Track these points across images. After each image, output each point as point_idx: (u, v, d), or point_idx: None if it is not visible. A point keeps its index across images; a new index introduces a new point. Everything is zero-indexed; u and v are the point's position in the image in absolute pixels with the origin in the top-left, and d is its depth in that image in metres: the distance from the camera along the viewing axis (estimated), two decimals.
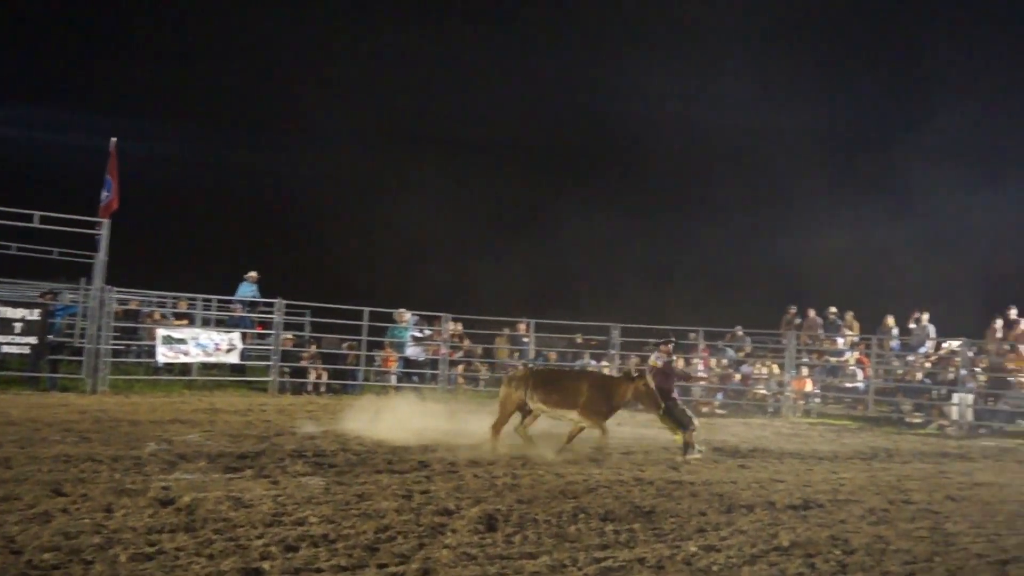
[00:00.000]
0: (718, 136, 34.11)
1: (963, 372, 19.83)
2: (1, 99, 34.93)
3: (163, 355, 20.18)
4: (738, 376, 22.97)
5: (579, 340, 24.71)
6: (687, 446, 13.60)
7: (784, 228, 31.34)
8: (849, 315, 23.54)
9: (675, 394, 14.28)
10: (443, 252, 34.22)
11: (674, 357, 14.89)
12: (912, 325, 22.62)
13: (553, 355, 24.09)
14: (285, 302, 21.81)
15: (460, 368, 23.47)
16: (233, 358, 21.15)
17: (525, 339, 23.89)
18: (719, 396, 22.50)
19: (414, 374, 22.85)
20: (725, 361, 23.23)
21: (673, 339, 14.84)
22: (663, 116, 34.92)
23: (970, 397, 19.73)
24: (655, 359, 14.51)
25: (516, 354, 24.01)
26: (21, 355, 18.92)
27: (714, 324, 23.62)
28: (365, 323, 22.05)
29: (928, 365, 21.38)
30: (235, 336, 21.13)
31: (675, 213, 35.83)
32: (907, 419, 20.44)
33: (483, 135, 36.53)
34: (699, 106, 35.17)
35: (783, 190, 32.09)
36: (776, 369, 22.43)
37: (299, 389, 21.52)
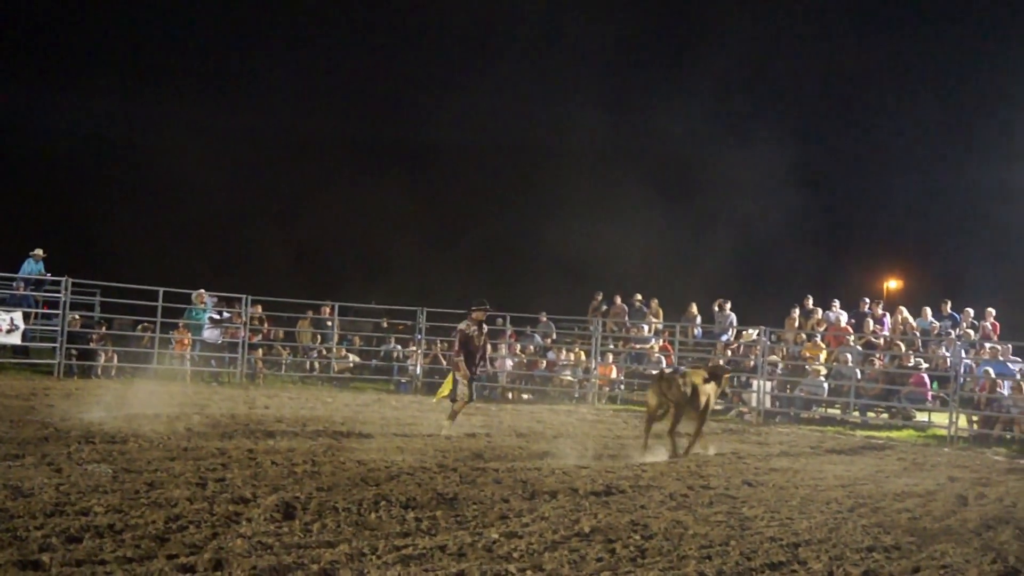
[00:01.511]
0: (527, 127, 34.43)
1: (762, 360, 20.50)
2: None
3: None
4: (544, 362, 23.16)
5: (385, 324, 24.49)
6: (455, 415, 14.28)
7: (590, 216, 31.80)
8: (654, 303, 24.02)
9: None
10: (240, 232, 33.47)
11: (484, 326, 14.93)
12: (715, 310, 23.28)
13: (358, 339, 23.81)
14: (73, 280, 20.79)
15: (260, 352, 22.88)
16: (15, 339, 20.05)
17: (329, 322, 23.49)
18: (525, 382, 22.64)
19: (211, 357, 22.17)
20: (531, 347, 23.39)
21: (487, 305, 14.90)
22: (465, 108, 35.06)
23: (768, 384, 20.45)
24: (465, 324, 14.65)
25: (319, 338, 23.61)
26: None
27: (520, 310, 23.76)
28: (159, 304, 21.21)
29: (729, 353, 22.02)
30: (16, 316, 20.03)
31: (482, 199, 36.00)
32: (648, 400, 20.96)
33: (295, 118, 35.96)
34: (503, 98, 35.41)
35: (591, 180, 32.58)
36: (582, 356, 22.71)
37: (88, 372, 20.59)
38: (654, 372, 16.03)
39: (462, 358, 14.41)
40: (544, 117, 34.74)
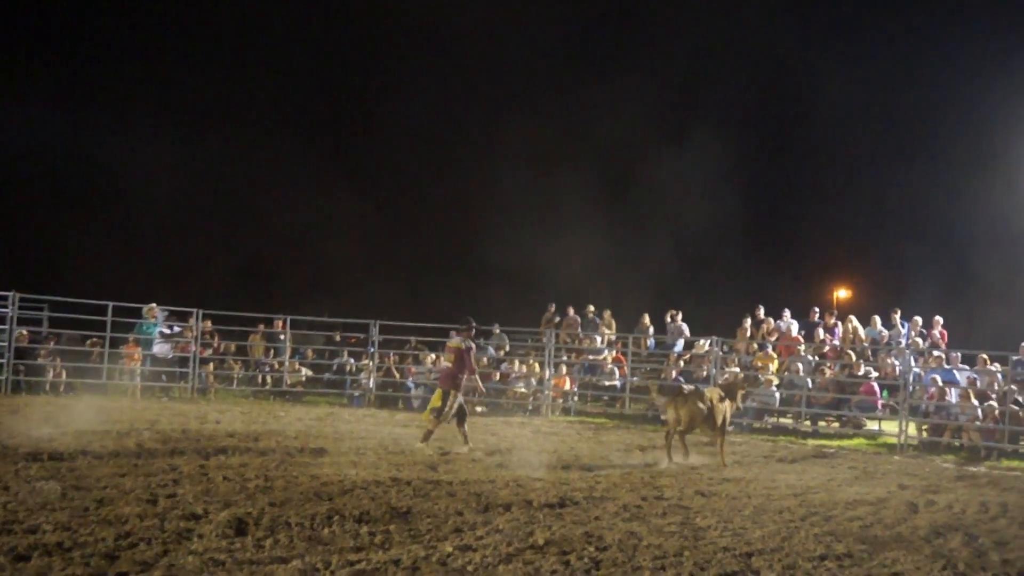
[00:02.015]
0: (473, 136, 34.48)
1: (714, 370, 20.61)
2: None
3: None
4: (497, 374, 23.14)
5: (337, 337, 24.37)
6: (429, 433, 14.31)
7: (541, 227, 31.85)
8: (607, 314, 24.02)
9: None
10: (190, 246, 33.25)
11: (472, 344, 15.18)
12: (667, 320, 23.37)
13: (310, 352, 23.68)
14: (20, 295, 20.52)
15: (211, 367, 22.67)
16: None
17: (282, 336, 23.32)
18: (479, 394, 22.58)
19: (162, 372, 21.95)
20: (485, 359, 23.37)
21: (473, 324, 15.27)
22: (411, 119, 35.06)
23: None
24: (460, 342, 14.89)
25: (272, 352, 23.44)
26: None
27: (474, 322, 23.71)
28: (109, 318, 20.97)
29: (682, 363, 22.12)
30: None
31: (434, 212, 35.99)
32: (662, 417, 21.08)
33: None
34: (450, 107, 35.48)
35: (538, 190, 32.65)
36: (536, 367, 22.71)
37: (35, 388, 20.31)
38: (674, 389, 16.07)
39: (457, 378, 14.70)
40: (490, 126, 34.76)
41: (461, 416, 14.61)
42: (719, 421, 14.27)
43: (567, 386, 22.63)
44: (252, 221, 36.14)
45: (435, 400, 14.71)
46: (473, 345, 15.16)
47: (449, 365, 15.00)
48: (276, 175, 36.65)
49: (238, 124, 35.55)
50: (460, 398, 14.60)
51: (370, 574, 6.77)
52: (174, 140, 33.93)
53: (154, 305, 22.02)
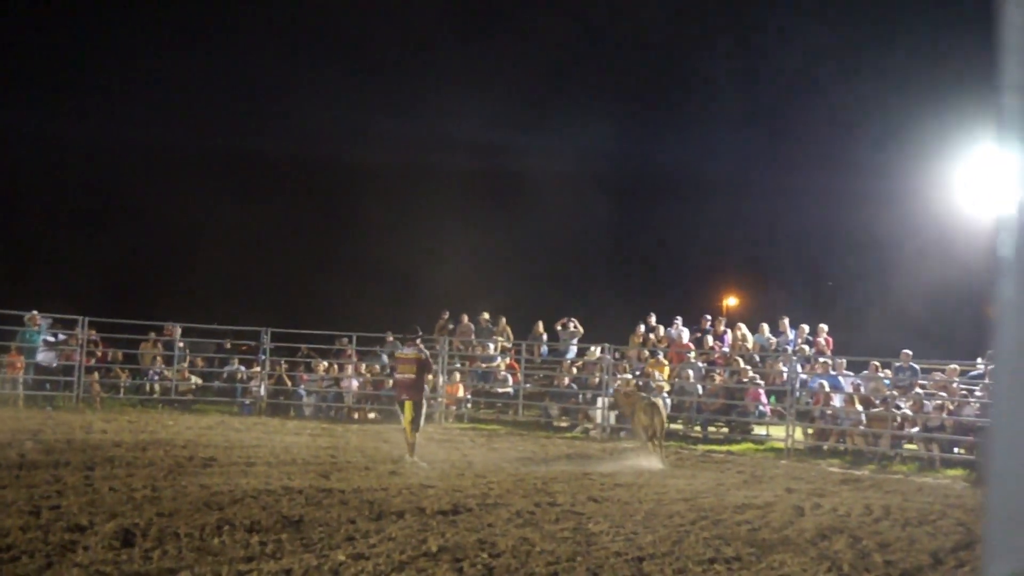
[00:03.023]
0: (372, 145, 34.36)
1: (606, 377, 20.81)
2: None
3: None
4: (390, 382, 23.01)
5: (228, 345, 24.04)
6: (412, 446, 14.39)
7: (437, 236, 31.90)
8: (502, 321, 24.09)
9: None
10: (73, 250, 32.51)
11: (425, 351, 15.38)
12: (559, 329, 23.50)
13: (200, 360, 23.30)
14: None
15: (96, 375, 22.15)
16: None
17: (181, 344, 22.90)
18: (371, 402, 22.47)
19: (46, 381, 21.38)
20: (377, 367, 23.24)
21: (420, 332, 15.58)
22: (290, 120, 34.91)
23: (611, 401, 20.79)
24: (417, 352, 15.01)
25: (159, 360, 23.00)
26: None
27: (365, 330, 23.59)
28: None
29: (575, 371, 22.28)
30: None
31: (325, 218, 35.78)
32: (555, 423, 21.26)
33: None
34: (325, 109, 35.37)
35: (434, 199, 32.68)
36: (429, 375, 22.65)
37: None
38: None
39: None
40: (371, 131, 34.72)
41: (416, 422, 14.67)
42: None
43: (460, 393, 22.64)
44: (137, 225, 35.54)
45: (408, 413, 14.60)
46: (428, 352, 15.45)
47: (411, 376, 14.77)
48: (160, 177, 36.10)
49: (121, 121, 34.92)
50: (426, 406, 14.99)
51: None
52: (60, 139, 33.20)
53: (35, 312, 21.43)
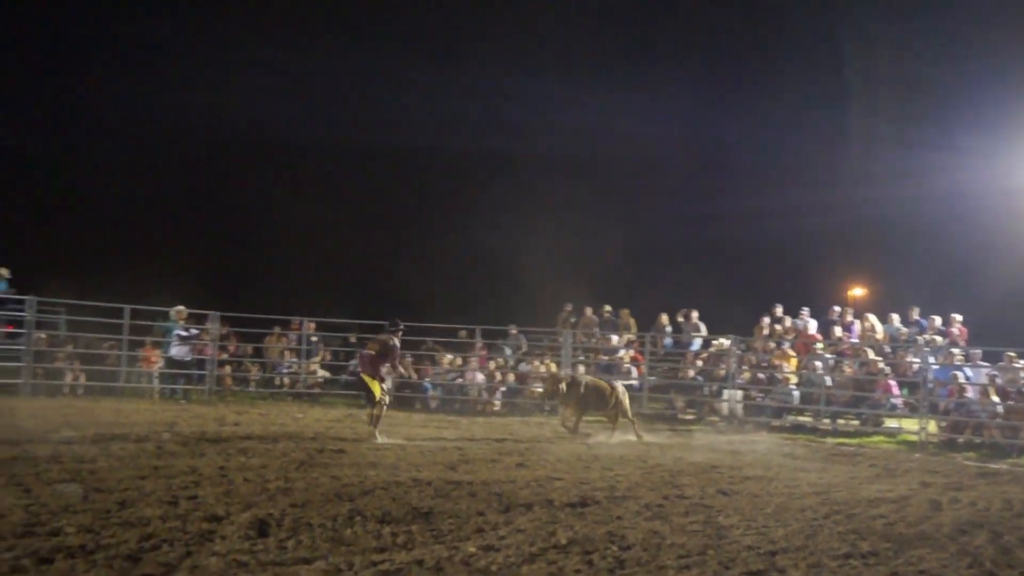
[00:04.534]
0: (490, 137, 34.44)
1: (733, 369, 20.55)
2: None
3: None
4: (512, 375, 23.08)
5: (353, 339, 24.34)
6: (377, 419, 15.37)
7: (558, 226, 31.82)
8: (624, 313, 23.95)
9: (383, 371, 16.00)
10: (204, 246, 33.30)
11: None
12: (681, 320, 23.26)
13: (327, 354, 23.65)
14: (38, 299, 20.58)
15: (228, 369, 22.70)
16: None
17: (313, 338, 23.32)
18: (498, 395, 22.55)
19: (180, 375, 21.96)
20: (502, 360, 23.31)
21: (401, 325, 16.63)
22: (427, 110, 35.07)
23: (739, 393, 20.53)
24: (387, 337, 16.01)
25: (288, 353, 23.44)
26: None
27: (488, 322, 23.67)
28: (126, 321, 21.04)
29: (699, 363, 22.03)
30: None
31: (447, 212, 35.99)
32: (680, 415, 21.06)
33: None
34: (467, 100, 35.44)
35: (553, 190, 32.63)
36: (552, 367, 22.64)
37: (55, 391, 20.36)
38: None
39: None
40: (507, 121, 34.73)
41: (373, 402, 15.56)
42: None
43: None
44: (262, 219, 36.23)
45: (375, 389, 15.54)
46: (399, 344, 16.30)
47: (371, 353, 15.82)
48: (289, 171, 36.72)
49: (248, 116, 35.62)
50: (389, 382, 16.09)
51: (394, 574, 6.75)
52: (182, 141, 34.05)
53: (182, 307, 22.03)
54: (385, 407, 15.71)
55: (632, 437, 16.90)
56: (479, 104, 35.76)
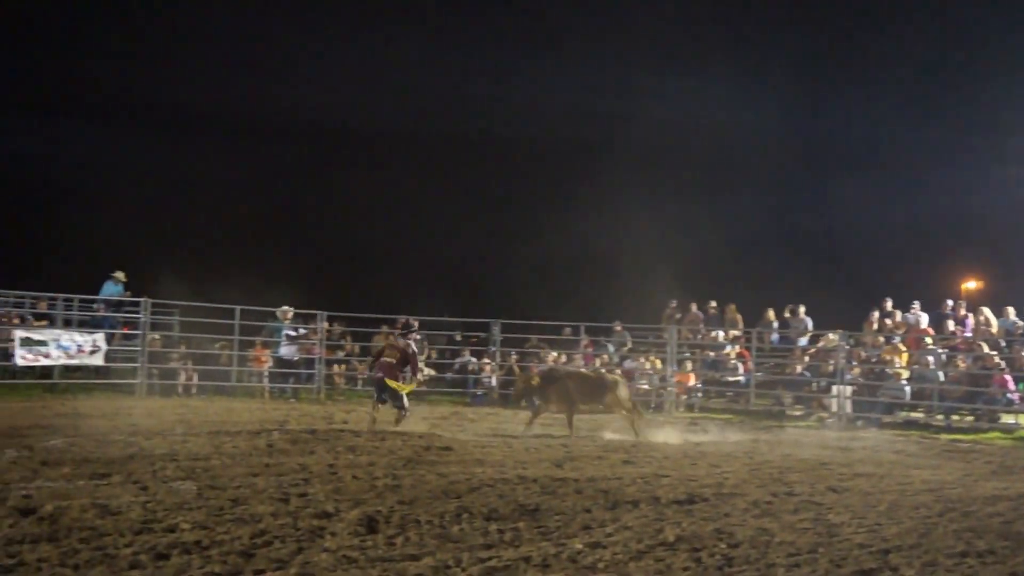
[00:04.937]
0: (588, 130, 34.34)
1: (841, 364, 20.21)
2: None
3: (22, 358, 19.38)
4: (619, 372, 22.99)
5: (459, 337, 24.51)
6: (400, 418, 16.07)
7: (660, 219, 31.56)
8: (731, 308, 23.72)
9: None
10: (305, 246, 33.79)
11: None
12: (787, 315, 22.93)
13: (432, 352, 23.84)
14: (152, 301, 21.13)
15: (337, 368, 23.04)
16: (97, 360, 20.38)
17: (418, 336, 23.53)
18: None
19: (289, 374, 22.35)
20: (605, 356, 23.25)
21: (415, 328, 18.32)
22: (527, 101, 35.04)
23: (848, 389, 20.14)
24: (406, 344, 16.73)
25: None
26: None
27: (592, 319, 23.61)
28: (237, 322, 21.49)
29: (807, 358, 21.70)
30: (99, 337, 20.38)
31: (553, 207, 35.95)
32: (788, 412, 20.77)
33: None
34: (578, 99, 35.37)
35: (663, 183, 32.39)
36: (658, 363, 22.52)
37: (169, 391, 20.88)
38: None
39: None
40: (606, 113, 34.56)
41: (387, 399, 16.21)
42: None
43: (691, 382, 22.41)
44: (372, 221, 36.60)
45: (402, 389, 16.18)
46: (416, 348, 17.03)
47: (391, 361, 16.21)
48: (393, 169, 37.02)
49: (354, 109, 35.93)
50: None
51: (502, 571, 6.77)
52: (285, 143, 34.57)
53: (288, 308, 22.45)
54: (406, 408, 16.23)
55: (630, 436, 15.93)
56: (582, 96, 35.68)
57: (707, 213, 31.42)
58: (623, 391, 16.87)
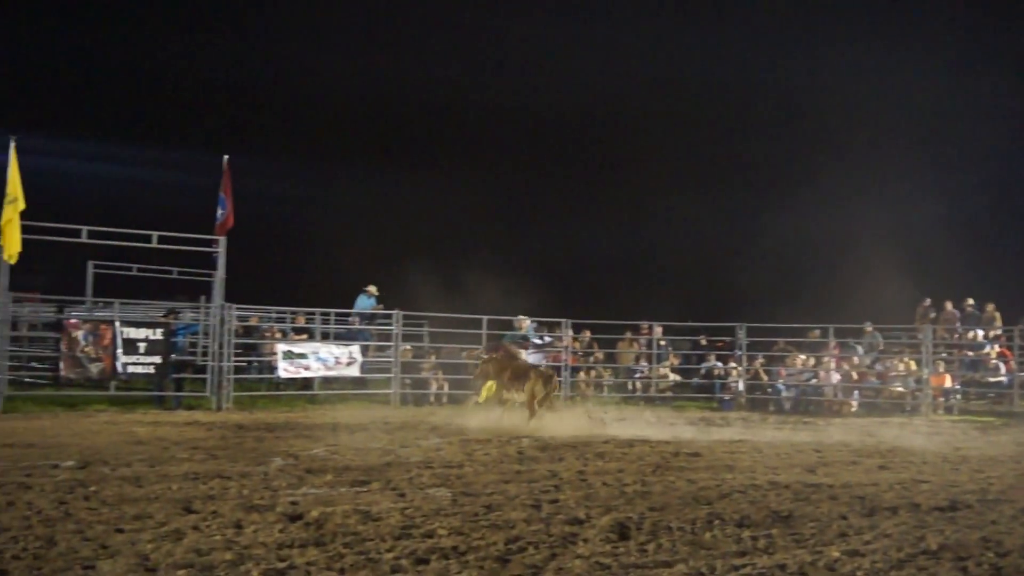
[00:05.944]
0: (826, 124, 33.37)
1: None
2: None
3: (284, 370, 20.43)
4: (872, 375, 22.26)
5: (703, 341, 24.28)
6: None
7: (907, 212, 30.32)
8: (990, 306, 22.56)
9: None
10: (557, 256, 34.13)
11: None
12: None
13: (676, 358, 23.72)
14: (403, 313, 21.85)
15: (582, 375, 23.22)
16: (353, 371, 21.26)
17: (662, 342, 23.53)
18: (855, 395, 21.81)
19: None
20: (856, 359, 22.54)
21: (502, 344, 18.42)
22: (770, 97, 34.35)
23: None
24: (547, 368, 17.72)
25: (641, 359, 23.67)
26: (146, 374, 19.28)
27: (841, 321, 22.90)
28: (484, 332, 21.97)
29: None
30: (355, 349, 21.24)
31: (794, 210, 35.11)
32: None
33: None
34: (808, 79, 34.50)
35: (892, 170, 31.18)
36: (912, 365, 21.65)
37: (421, 400, 21.52)
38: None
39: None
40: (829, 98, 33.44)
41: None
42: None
43: (947, 383, 21.43)
44: (613, 228, 36.68)
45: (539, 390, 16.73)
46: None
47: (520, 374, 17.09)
48: (641, 178, 36.96)
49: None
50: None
51: None
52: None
53: (523, 316, 22.82)
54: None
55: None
56: (816, 86, 34.71)
57: (981, 205, 29.94)
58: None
